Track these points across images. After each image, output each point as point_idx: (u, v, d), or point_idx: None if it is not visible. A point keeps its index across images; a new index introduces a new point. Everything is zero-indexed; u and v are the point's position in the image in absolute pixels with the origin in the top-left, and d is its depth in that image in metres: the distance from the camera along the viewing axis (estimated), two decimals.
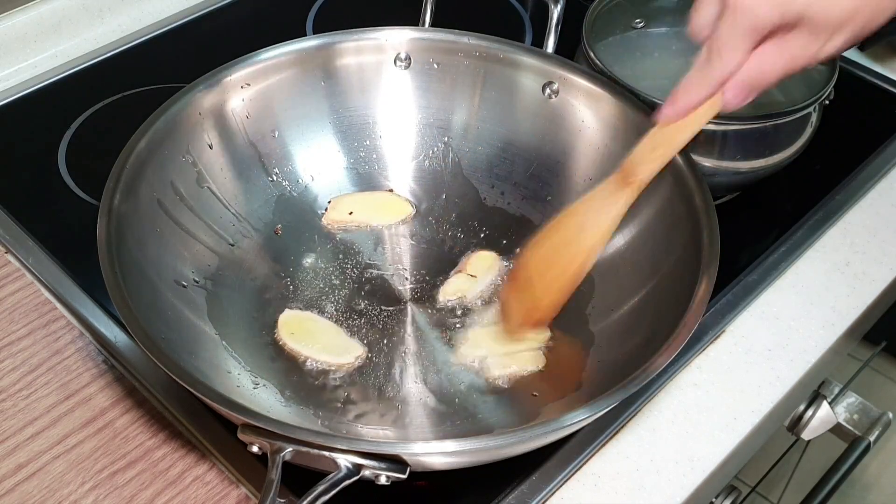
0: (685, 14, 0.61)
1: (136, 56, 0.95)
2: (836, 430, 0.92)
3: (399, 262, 0.75)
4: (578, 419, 0.54)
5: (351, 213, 0.77)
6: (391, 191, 0.79)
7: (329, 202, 0.77)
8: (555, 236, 0.67)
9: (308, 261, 0.75)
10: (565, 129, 0.75)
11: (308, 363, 0.68)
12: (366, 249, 0.76)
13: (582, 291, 0.72)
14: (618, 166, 0.64)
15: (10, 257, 0.76)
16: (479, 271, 0.73)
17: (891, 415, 0.92)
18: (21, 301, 0.73)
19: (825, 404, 0.88)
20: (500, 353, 0.68)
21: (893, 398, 1.43)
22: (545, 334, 0.69)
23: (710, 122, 0.73)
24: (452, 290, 0.73)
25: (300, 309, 0.71)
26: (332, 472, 0.52)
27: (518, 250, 0.73)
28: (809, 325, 0.74)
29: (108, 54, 0.95)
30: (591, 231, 0.65)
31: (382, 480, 0.53)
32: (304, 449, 0.52)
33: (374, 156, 0.80)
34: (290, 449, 0.52)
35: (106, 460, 0.64)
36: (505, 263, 0.74)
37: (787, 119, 0.75)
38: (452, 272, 0.74)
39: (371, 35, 0.77)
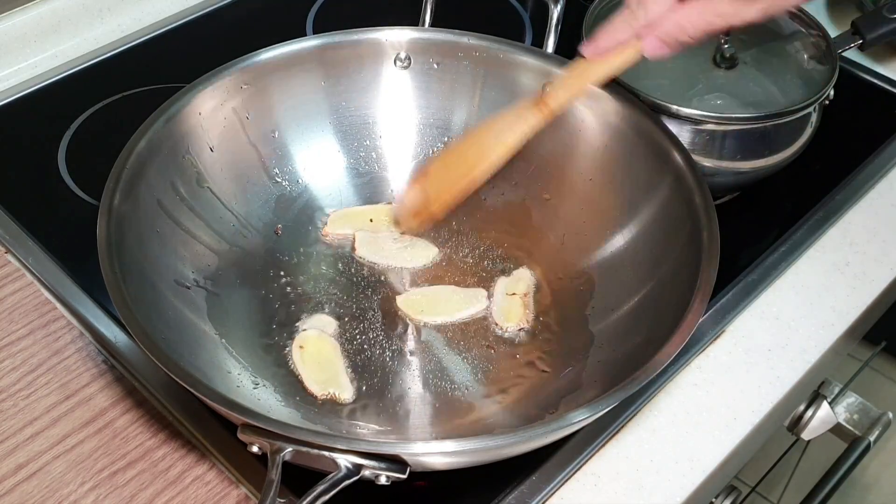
0: None
1: (136, 56, 0.95)
2: (836, 430, 0.92)
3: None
4: (578, 419, 0.54)
5: (352, 226, 0.77)
6: (391, 203, 0.79)
7: (328, 214, 0.77)
8: (462, 143, 0.71)
9: (308, 260, 0.75)
10: (565, 129, 0.75)
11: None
12: None
13: (582, 291, 0.72)
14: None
15: (10, 257, 0.76)
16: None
17: (891, 415, 0.93)
18: (21, 301, 0.73)
19: (825, 404, 0.88)
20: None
21: (893, 398, 1.43)
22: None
23: (710, 122, 0.74)
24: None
25: (306, 315, 0.71)
26: (332, 472, 0.52)
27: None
28: (809, 325, 0.74)
29: (108, 54, 0.95)
30: (493, 143, 0.68)
31: (382, 480, 0.53)
32: (304, 449, 0.52)
33: (374, 156, 0.80)
34: (290, 449, 0.52)
35: (106, 460, 0.64)
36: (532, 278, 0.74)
37: (787, 119, 0.75)
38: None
39: (371, 35, 0.77)
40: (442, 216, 0.73)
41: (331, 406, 0.66)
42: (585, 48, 0.62)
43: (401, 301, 0.72)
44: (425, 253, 0.75)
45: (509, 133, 0.67)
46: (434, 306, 0.72)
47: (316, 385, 0.66)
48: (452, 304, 0.72)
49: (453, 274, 0.74)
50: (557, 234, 0.76)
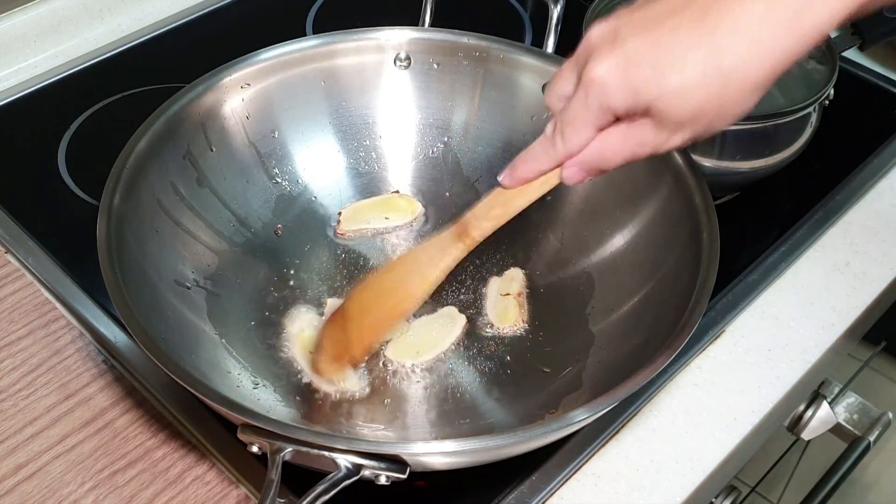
0: None
1: (136, 56, 0.96)
2: (836, 430, 0.92)
3: None
4: (578, 419, 0.54)
5: (368, 221, 0.77)
6: (397, 192, 0.79)
7: (339, 213, 0.77)
8: (381, 280, 0.67)
9: (308, 261, 0.75)
10: None
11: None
12: (366, 250, 0.76)
13: (582, 291, 0.72)
14: (457, 220, 0.63)
15: (10, 257, 0.76)
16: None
17: (891, 415, 0.92)
18: (21, 301, 0.73)
19: (825, 404, 0.88)
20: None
21: (893, 398, 1.43)
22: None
23: None
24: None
25: (306, 314, 0.71)
26: (332, 472, 0.52)
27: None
28: (809, 325, 0.74)
29: (108, 54, 0.95)
30: (415, 280, 0.64)
31: (382, 480, 0.53)
32: (304, 449, 0.52)
33: (374, 156, 0.80)
34: (290, 449, 0.52)
35: (106, 460, 0.64)
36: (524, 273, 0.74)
37: (787, 119, 0.75)
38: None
39: (371, 35, 0.77)
40: (363, 361, 0.67)
41: (330, 406, 0.66)
42: (505, 178, 0.59)
43: (391, 352, 0.69)
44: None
45: (432, 269, 0.63)
46: (423, 344, 0.69)
47: (323, 382, 0.66)
48: (439, 335, 0.70)
49: (452, 275, 0.74)
50: (557, 234, 0.76)
